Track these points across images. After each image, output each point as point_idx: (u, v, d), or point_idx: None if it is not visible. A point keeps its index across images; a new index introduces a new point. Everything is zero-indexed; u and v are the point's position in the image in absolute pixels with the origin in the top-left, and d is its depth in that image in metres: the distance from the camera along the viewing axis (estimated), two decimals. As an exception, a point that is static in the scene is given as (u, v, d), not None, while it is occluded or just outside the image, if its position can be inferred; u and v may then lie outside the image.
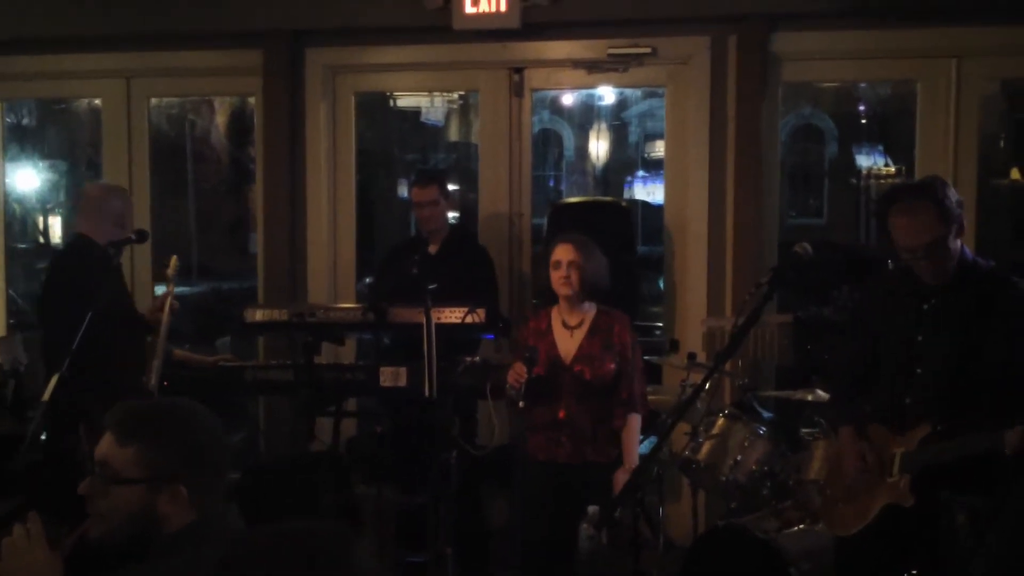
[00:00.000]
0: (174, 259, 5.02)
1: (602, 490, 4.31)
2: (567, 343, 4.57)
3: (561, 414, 4.53)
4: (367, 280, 6.99)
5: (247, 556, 1.71)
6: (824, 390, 4.90)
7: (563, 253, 4.55)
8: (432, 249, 5.75)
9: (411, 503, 5.46)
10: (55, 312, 4.83)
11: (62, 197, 13.09)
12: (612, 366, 4.53)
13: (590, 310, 4.61)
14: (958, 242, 3.65)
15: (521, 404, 4.43)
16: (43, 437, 4.73)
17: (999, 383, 3.56)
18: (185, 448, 2.34)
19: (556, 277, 4.54)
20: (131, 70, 6.86)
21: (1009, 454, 3.35)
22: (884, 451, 3.76)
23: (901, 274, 3.82)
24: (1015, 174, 13.84)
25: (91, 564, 2.40)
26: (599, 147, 17.60)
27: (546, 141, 18.58)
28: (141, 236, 4.86)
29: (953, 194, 3.63)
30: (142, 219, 6.76)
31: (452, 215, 13.22)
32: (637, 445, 4.61)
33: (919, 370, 3.72)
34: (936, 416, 3.64)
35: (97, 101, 7.33)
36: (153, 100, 7.14)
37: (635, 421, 4.60)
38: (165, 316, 4.80)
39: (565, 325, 4.60)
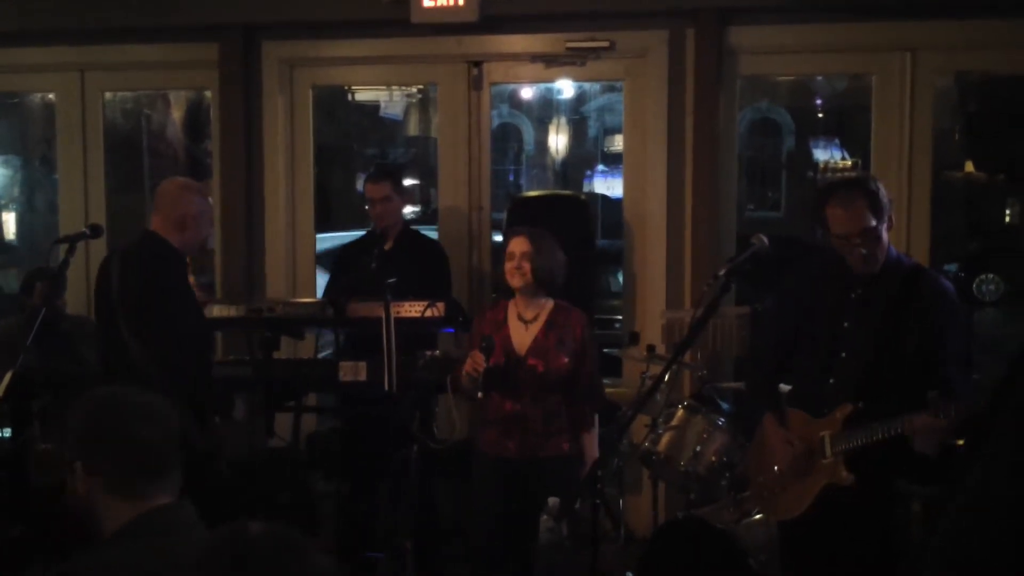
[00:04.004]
0: None
1: (555, 484, 4.28)
2: (522, 336, 4.57)
3: (514, 408, 4.53)
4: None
5: (214, 569, 1.73)
6: (743, 378, 4.99)
7: (516, 245, 4.55)
8: (386, 245, 5.73)
9: (370, 498, 5.45)
10: (164, 320, 4.40)
11: (16, 193, 12.94)
12: (566, 360, 4.53)
13: (547, 304, 4.61)
14: (887, 236, 3.86)
15: (480, 395, 4.42)
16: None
17: (917, 365, 3.76)
18: (80, 431, 2.40)
19: (508, 268, 4.55)
20: (85, 64, 6.79)
21: (913, 440, 3.57)
22: (811, 435, 3.87)
23: (829, 264, 3.99)
24: (969, 167, 14.01)
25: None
26: (558, 141, 17.66)
27: (505, 135, 18.61)
28: (95, 231, 4.76)
29: (884, 191, 3.84)
30: (97, 214, 6.72)
31: (412, 209, 13.22)
32: (596, 442, 4.66)
33: (843, 354, 3.88)
34: (857, 396, 3.79)
35: (51, 95, 7.25)
36: (108, 94, 7.07)
37: (594, 420, 4.66)
38: None
39: (521, 318, 4.60)
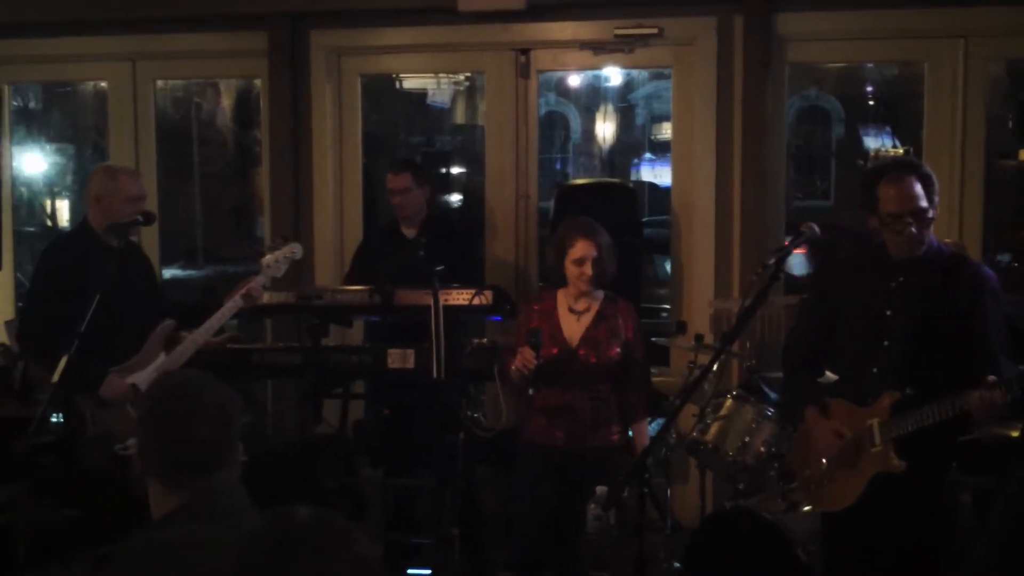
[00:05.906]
0: (289, 247, 4.97)
1: (602, 474, 4.31)
2: (573, 327, 4.57)
3: (564, 398, 4.53)
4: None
5: (260, 553, 1.75)
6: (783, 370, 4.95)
7: (586, 249, 4.52)
8: (409, 233, 5.75)
9: (417, 485, 5.47)
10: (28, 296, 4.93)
11: (69, 181, 13.10)
12: (617, 350, 4.55)
13: (597, 296, 4.62)
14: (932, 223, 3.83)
15: (531, 391, 4.43)
16: (54, 419, 4.75)
17: (960, 350, 3.73)
18: (142, 411, 2.43)
19: (578, 273, 4.53)
20: (136, 53, 6.86)
21: (974, 415, 3.53)
22: (857, 424, 3.83)
23: (868, 254, 3.96)
24: (1023, 154, 13.78)
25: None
26: (606, 129, 17.55)
27: (552, 124, 18.54)
28: (148, 218, 4.83)
29: (935, 178, 3.82)
30: (148, 201, 6.76)
31: (459, 197, 13.22)
32: (647, 431, 4.67)
33: (886, 342, 3.84)
34: (902, 383, 3.75)
35: (103, 84, 7.33)
36: (159, 83, 7.14)
37: (645, 410, 4.67)
38: (234, 297, 4.76)
39: (571, 310, 4.61)
